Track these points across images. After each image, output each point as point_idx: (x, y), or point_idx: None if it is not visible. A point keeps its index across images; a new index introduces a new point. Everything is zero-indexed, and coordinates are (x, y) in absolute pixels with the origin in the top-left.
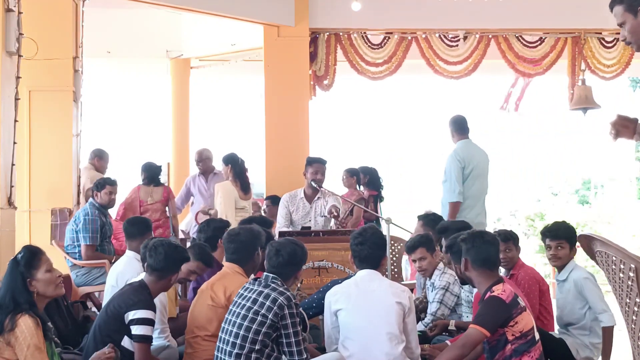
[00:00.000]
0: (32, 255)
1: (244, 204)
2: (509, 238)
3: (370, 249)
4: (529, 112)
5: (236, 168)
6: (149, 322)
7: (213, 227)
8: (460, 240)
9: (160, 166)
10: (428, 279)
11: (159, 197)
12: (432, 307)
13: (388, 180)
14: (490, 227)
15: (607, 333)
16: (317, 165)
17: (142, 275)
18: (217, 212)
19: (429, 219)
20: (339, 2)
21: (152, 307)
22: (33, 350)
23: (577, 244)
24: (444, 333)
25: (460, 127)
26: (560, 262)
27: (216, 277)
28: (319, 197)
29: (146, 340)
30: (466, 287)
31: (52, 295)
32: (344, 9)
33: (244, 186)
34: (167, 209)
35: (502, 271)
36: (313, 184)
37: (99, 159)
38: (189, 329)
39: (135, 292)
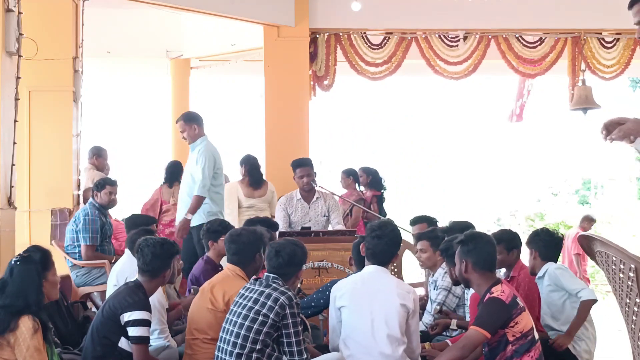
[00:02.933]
0: (45, 256)
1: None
2: (500, 241)
3: (387, 245)
4: (529, 113)
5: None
6: (145, 323)
7: (213, 229)
8: (459, 242)
9: (180, 164)
10: (431, 274)
11: None
12: (433, 308)
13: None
14: (490, 228)
15: (583, 306)
16: (300, 170)
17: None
18: None
19: (433, 222)
20: (339, 2)
21: (148, 308)
22: (32, 351)
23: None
24: (444, 333)
25: (202, 122)
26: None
27: (217, 279)
28: (317, 198)
29: (143, 341)
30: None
31: (51, 298)
32: (344, 9)
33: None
34: None
35: (502, 273)
36: (314, 186)
37: (98, 156)
38: (188, 330)
39: (130, 292)
